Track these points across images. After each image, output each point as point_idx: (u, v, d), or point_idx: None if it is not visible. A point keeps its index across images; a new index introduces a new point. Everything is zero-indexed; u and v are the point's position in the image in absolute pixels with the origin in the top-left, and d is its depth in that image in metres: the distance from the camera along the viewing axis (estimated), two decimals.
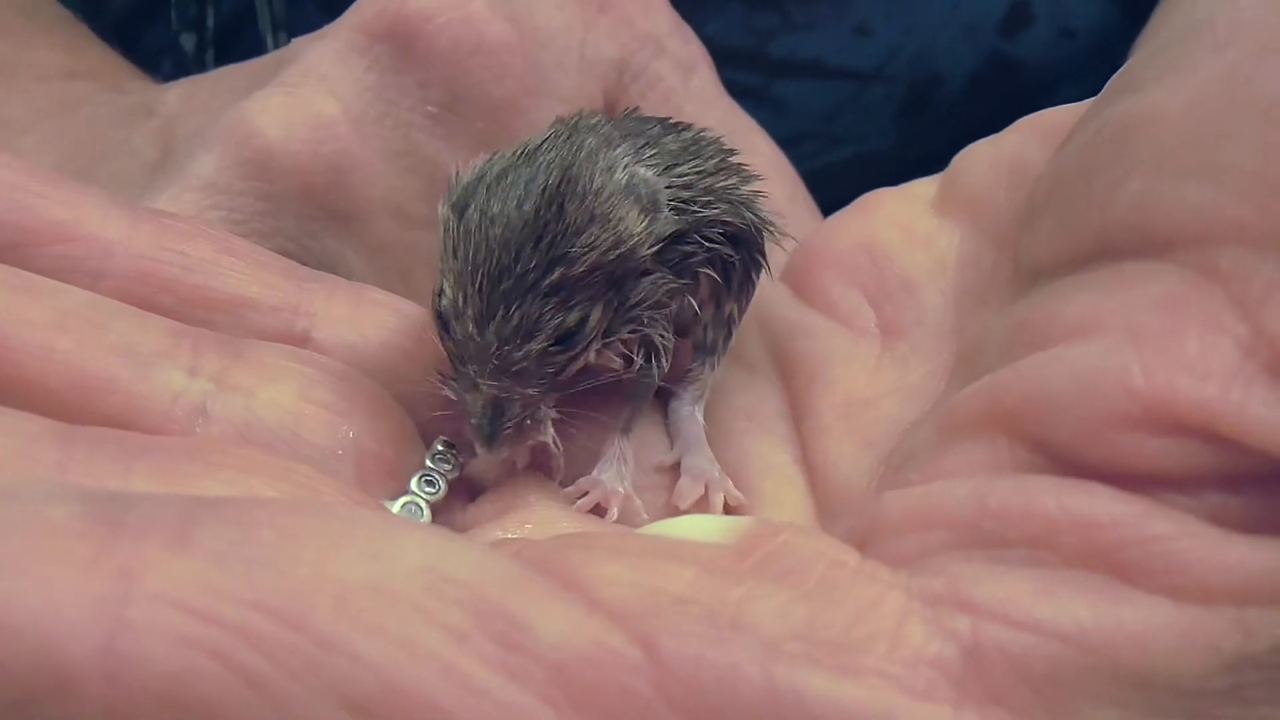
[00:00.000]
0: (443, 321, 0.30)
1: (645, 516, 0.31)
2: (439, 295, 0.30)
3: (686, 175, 0.32)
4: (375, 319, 0.32)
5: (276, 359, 0.30)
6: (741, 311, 0.34)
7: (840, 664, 0.21)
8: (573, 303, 0.29)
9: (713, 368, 0.34)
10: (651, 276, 0.31)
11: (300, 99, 0.39)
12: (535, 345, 0.29)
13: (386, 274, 0.39)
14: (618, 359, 0.31)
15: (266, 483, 0.25)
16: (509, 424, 0.30)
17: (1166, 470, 0.22)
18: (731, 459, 0.32)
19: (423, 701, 0.20)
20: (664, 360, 0.32)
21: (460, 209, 0.30)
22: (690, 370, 0.34)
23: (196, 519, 0.21)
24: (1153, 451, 0.22)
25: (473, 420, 0.30)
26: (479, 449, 0.30)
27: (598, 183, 0.30)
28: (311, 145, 0.38)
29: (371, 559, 0.21)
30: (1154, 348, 0.23)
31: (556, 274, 0.29)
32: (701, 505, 0.31)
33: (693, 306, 0.33)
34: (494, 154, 0.31)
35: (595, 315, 0.30)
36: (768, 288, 0.35)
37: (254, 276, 0.32)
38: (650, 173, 0.31)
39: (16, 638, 0.19)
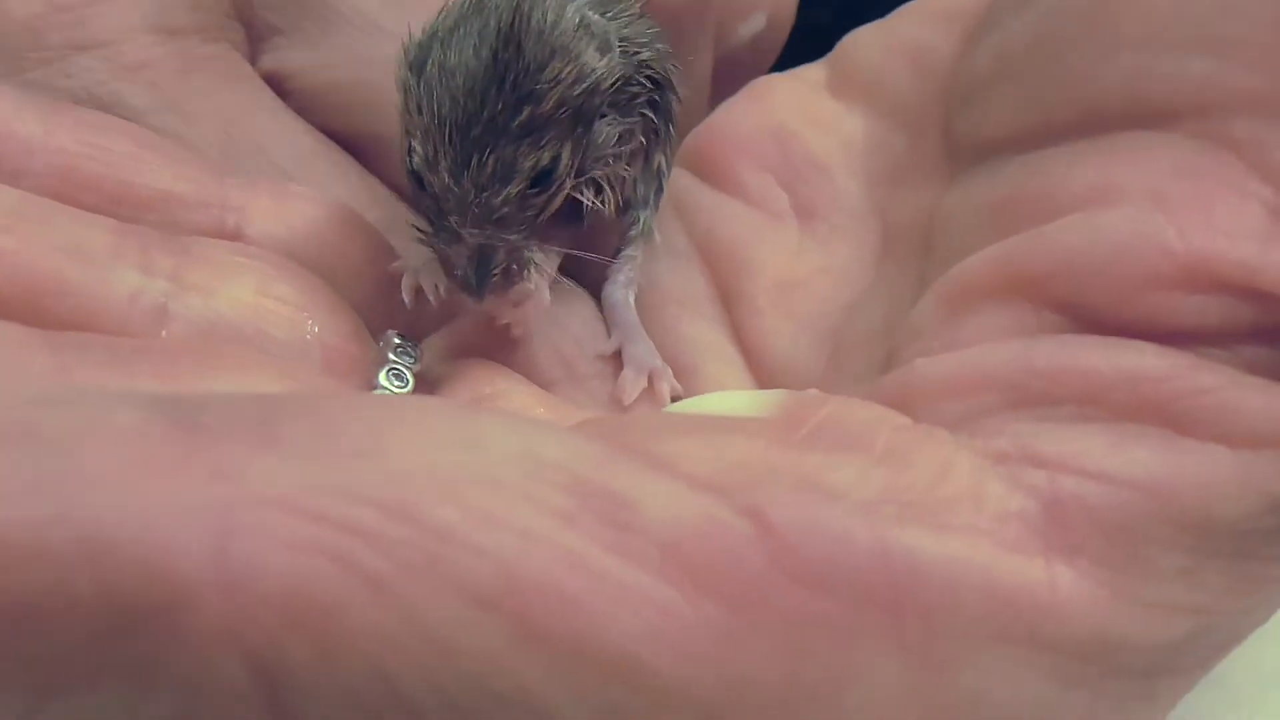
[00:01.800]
0: (417, 178, 0.30)
1: (680, 389, 0.32)
2: (409, 155, 0.30)
3: (623, 17, 0.32)
4: (300, 213, 0.31)
5: (227, 255, 0.28)
6: (669, 164, 0.34)
7: (937, 523, 0.22)
8: (544, 141, 0.29)
9: (647, 231, 0.34)
10: (607, 118, 0.31)
11: None
12: (513, 188, 0.29)
13: (163, 107, 0.35)
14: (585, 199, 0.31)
15: (272, 380, 0.24)
16: (495, 271, 0.30)
17: (1205, 326, 0.24)
18: (669, 344, 0.33)
19: (546, 589, 0.19)
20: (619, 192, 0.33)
21: (418, 67, 0.30)
22: (622, 249, 0.34)
23: (277, 416, 0.20)
24: (1191, 309, 0.24)
25: (458, 271, 0.30)
26: (469, 301, 0.30)
27: (551, 18, 0.30)
28: None
29: (467, 446, 0.20)
30: (1184, 212, 0.24)
31: (525, 113, 0.29)
32: (645, 396, 0.31)
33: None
34: (442, 11, 0.31)
35: (566, 153, 0.30)
36: (675, 174, 0.35)
37: (177, 172, 0.30)
38: (596, 15, 0.31)
39: (117, 553, 0.18)
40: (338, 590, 0.19)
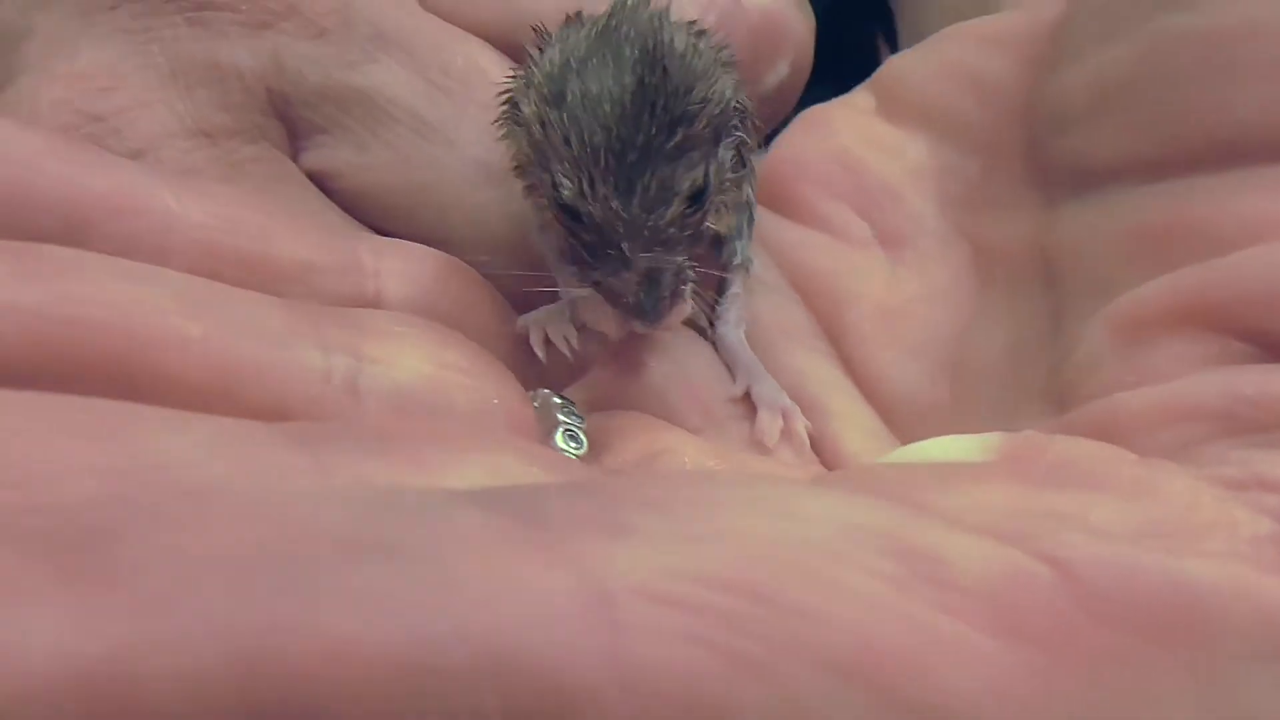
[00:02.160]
0: (572, 213, 0.29)
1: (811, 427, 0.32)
2: (557, 189, 0.29)
3: (714, 43, 0.32)
4: (432, 273, 0.30)
5: (388, 325, 0.27)
6: (754, 193, 0.34)
7: (1203, 551, 0.22)
8: (695, 161, 0.29)
9: (747, 262, 0.34)
10: (725, 141, 0.31)
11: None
12: (674, 209, 0.29)
13: None
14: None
15: (518, 463, 0.23)
16: (665, 294, 0.29)
17: None
18: (785, 379, 0.33)
19: (896, 655, 0.19)
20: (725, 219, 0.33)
21: (557, 100, 0.29)
22: (725, 287, 0.33)
23: (613, 503, 0.19)
24: None
25: (628, 299, 0.29)
26: (641, 327, 0.30)
27: (684, 43, 0.30)
28: None
29: (789, 519, 0.20)
30: None
31: (679, 135, 0.29)
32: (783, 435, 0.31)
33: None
34: (556, 45, 0.30)
35: (713, 172, 0.30)
36: None
37: (311, 240, 0.28)
38: (704, 44, 0.31)
39: (520, 665, 0.17)
40: (721, 676, 0.18)
